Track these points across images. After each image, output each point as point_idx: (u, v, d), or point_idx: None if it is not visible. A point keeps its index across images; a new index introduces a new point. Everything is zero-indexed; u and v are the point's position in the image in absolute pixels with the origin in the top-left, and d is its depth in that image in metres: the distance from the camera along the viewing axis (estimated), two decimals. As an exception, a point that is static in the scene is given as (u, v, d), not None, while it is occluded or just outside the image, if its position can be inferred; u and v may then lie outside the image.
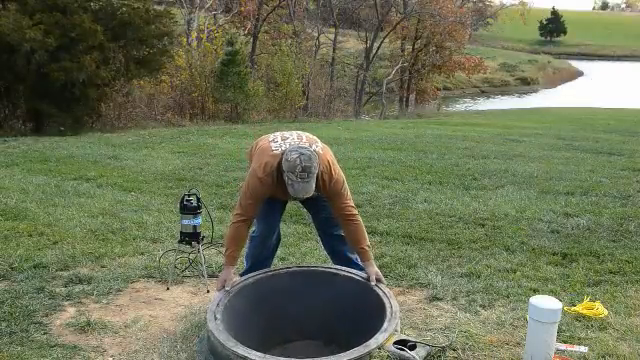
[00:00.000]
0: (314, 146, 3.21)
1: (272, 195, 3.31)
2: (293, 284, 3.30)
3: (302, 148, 3.09)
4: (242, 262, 3.98)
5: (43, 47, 11.44)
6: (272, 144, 3.27)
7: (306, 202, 3.61)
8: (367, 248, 3.31)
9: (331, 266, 3.43)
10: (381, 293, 3.11)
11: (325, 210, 3.50)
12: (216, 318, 2.89)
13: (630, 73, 50.55)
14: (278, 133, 3.40)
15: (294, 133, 3.36)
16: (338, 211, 3.30)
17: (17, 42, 11.23)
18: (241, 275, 3.65)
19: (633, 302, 3.54)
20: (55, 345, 3.05)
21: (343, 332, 3.14)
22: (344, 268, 3.39)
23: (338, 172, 3.29)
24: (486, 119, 18.87)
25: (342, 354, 2.60)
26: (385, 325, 2.82)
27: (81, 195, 6.28)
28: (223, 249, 3.44)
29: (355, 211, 3.32)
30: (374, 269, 3.28)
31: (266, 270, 3.40)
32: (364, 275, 3.27)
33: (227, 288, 3.16)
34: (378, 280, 3.24)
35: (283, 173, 3.06)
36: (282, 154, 3.11)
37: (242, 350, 2.63)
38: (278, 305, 3.24)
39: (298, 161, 2.99)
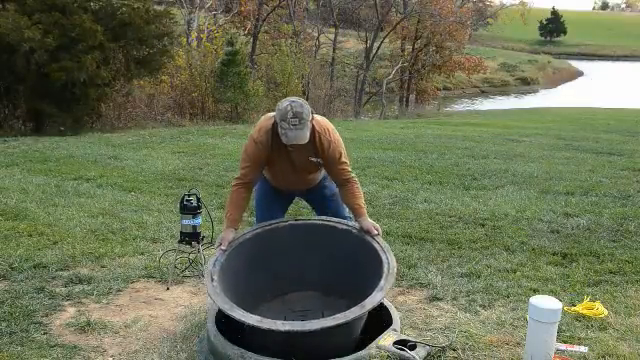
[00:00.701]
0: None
1: (270, 166, 3.31)
2: (292, 237, 3.29)
3: (293, 97, 3.14)
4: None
5: (42, 47, 11.43)
6: (269, 114, 3.30)
7: (311, 197, 3.63)
8: (362, 205, 3.30)
9: (329, 219, 3.37)
10: (378, 247, 3.10)
11: (331, 206, 3.52)
12: (213, 279, 2.89)
13: (630, 73, 50.53)
14: None
15: None
16: (336, 176, 3.32)
17: (16, 42, 11.22)
18: None
19: (633, 302, 3.54)
20: (55, 345, 3.05)
21: (342, 283, 3.17)
22: (342, 221, 3.36)
23: (337, 138, 3.29)
24: (486, 119, 18.86)
25: (338, 315, 2.62)
26: (382, 283, 2.82)
27: (81, 195, 6.27)
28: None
29: (353, 175, 3.33)
30: (369, 222, 3.26)
31: (264, 224, 3.37)
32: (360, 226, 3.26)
33: (223, 247, 3.14)
34: (377, 230, 3.24)
35: (277, 126, 3.08)
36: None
37: (239, 314, 2.63)
38: (278, 257, 3.26)
39: (289, 107, 3.02)
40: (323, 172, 3.47)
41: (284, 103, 3.06)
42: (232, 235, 3.21)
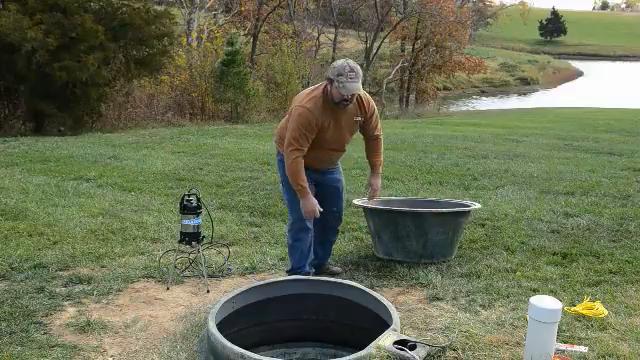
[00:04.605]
0: None
1: (320, 129, 3.55)
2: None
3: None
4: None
5: (44, 47, 11.44)
6: (308, 87, 3.71)
7: (327, 184, 3.84)
8: (381, 162, 3.92)
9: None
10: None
11: (340, 203, 3.96)
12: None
13: (630, 73, 50.55)
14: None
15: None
16: (372, 131, 3.81)
17: (18, 42, 11.22)
18: (287, 272, 3.84)
19: (633, 302, 3.54)
20: (55, 345, 3.04)
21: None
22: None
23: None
24: (486, 119, 18.87)
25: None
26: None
27: (81, 195, 6.27)
28: (296, 184, 3.61)
29: (382, 132, 3.92)
30: (378, 182, 3.90)
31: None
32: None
33: (317, 214, 3.60)
34: (375, 192, 3.89)
35: (332, 83, 3.45)
36: (324, 84, 3.53)
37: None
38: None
39: (345, 63, 3.44)
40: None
41: (339, 62, 3.48)
42: (314, 200, 3.62)
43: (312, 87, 3.64)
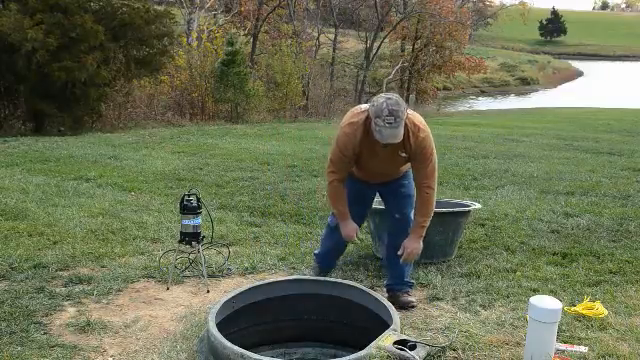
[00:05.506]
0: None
1: (358, 155, 3.27)
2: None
3: (389, 94, 3.11)
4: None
5: (44, 47, 11.43)
6: (361, 106, 3.32)
7: (386, 191, 3.62)
8: (422, 223, 3.32)
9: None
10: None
11: (404, 207, 3.50)
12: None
13: (630, 73, 50.56)
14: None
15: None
16: (418, 177, 3.31)
17: (18, 42, 11.22)
18: (316, 255, 3.90)
19: (633, 302, 3.54)
20: (55, 345, 3.04)
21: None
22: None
23: (426, 137, 3.23)
24: (486, 119, 18.88)
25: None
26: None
27: (81, 195, 6.27)
28: (330, 208, 3.54)
29: (434, 185, 3.31)
30: (413, 245, 3.33)
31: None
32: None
33: (357, 239, 3.51)
34: (408, 255, 3.35)
35: (371, 122, 3.06)
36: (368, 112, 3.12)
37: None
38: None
39: (384, 105, 2.98)
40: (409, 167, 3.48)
41: (379, 100, 3.04)
42: (354, 225, 3.40)
43: (361, 108, 3.27)
